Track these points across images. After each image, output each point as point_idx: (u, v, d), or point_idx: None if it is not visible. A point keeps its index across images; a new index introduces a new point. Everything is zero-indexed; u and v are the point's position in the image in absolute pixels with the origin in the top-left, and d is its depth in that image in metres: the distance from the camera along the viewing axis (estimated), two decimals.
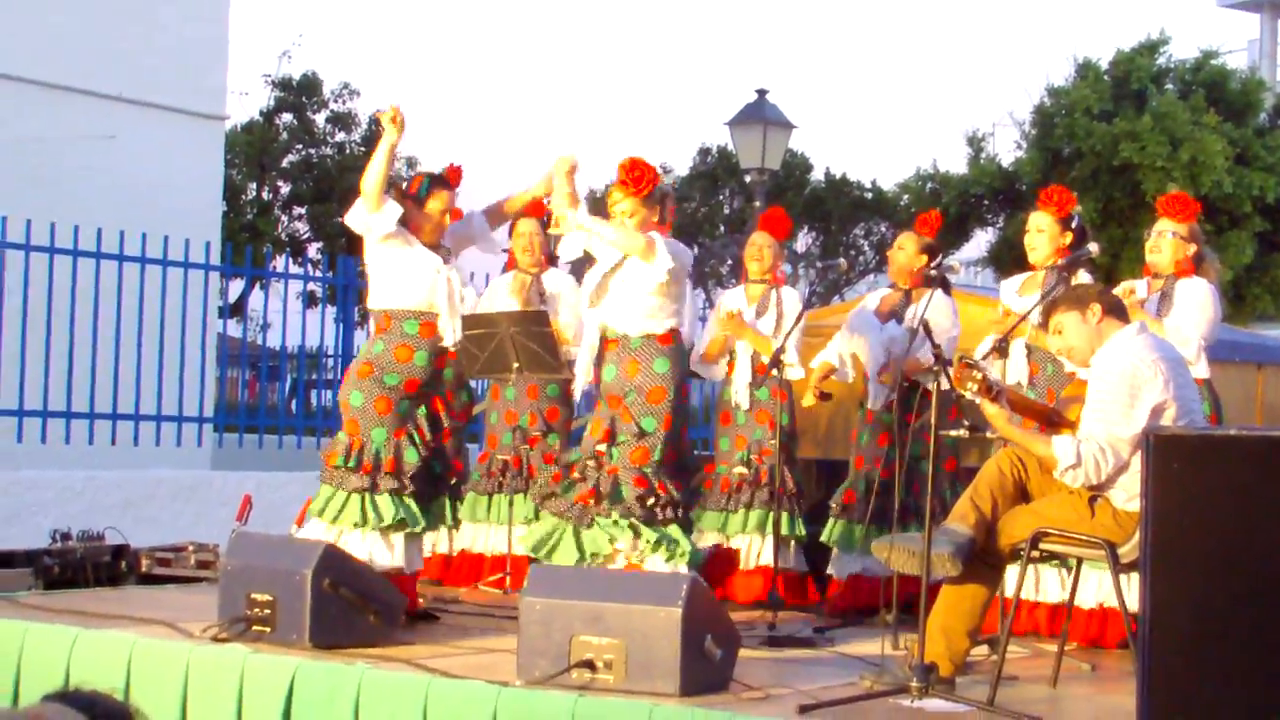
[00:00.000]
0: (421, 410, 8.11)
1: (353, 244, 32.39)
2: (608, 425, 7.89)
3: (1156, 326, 7.66)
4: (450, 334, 8.08)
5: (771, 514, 9.17)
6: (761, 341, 9.35)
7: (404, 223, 8.07)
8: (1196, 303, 8.04)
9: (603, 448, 7.87)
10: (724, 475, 9.58)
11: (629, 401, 7.83)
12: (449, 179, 8.24)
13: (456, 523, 8.56)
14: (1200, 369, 7.91)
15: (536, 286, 9.98)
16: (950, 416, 6.66)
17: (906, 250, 9.27)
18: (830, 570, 9.38)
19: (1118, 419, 6.29)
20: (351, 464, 7.94)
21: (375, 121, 33.45)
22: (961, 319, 9.21)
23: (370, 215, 8.00)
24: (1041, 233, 8.35)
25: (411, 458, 7.99)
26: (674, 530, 7.84)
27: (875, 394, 9.19)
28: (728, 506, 9.51)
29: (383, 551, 7.96)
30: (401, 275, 8.05)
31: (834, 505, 9.32)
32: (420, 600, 8.38)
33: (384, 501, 7.94)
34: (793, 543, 9.48)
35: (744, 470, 9.48)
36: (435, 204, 8.11)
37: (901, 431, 8.31)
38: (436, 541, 9.70)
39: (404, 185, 8.24)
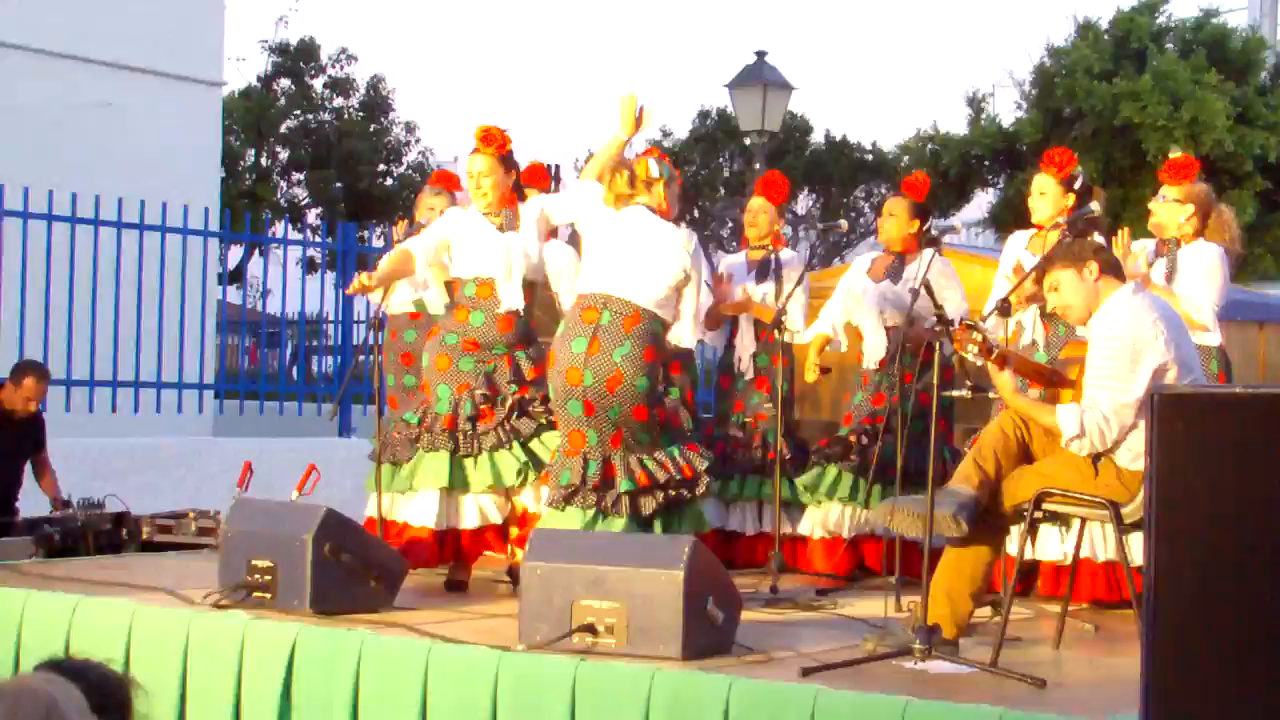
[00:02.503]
0: (491, 368, 8.14)
1: (352, 209, 32.47)
2: None
3: (1169, 295, 7.63)
4: (508, 298, 8.14)
5: (762, 479, 9.20)
6: (764, 312, 9.30)
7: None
8: (1204, 268, 8.01)
9: None
10: (719, 438, 9.54)
11: None
12: (477, 142, 8.25)
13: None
14: (1214, 335, 7.90)
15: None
16: (946, 376, 6.63)
17: (898, 216, 9.19)
18: (807, 529, 9.30)
19: (1120, 385, 6.28)
20: (417, 420, 8.10)
21: (373, 87, 33.78)
22: (964, 280, 9.17)
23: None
24: (1044, 195, 8.29)
25: (467, 409, 8.03)
26: None
27: (870, 354, 9.12)
28: (725, 469, 9.45)
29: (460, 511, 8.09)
30: (463, 246, 8.20)
31: (814, 455, 9.25)
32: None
33: (444, 460, 8.02)
34: (808, 506, 9.38)
35: (738, 434, 9.45)
36: (467, 170, 8.29)
37: (902, 392, 8.28)
38: None
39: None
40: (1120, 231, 8.01)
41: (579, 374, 7.52)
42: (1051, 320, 8.13)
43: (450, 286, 8.29)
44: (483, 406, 8.04)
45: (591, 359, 7.51)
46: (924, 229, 9.10)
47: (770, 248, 9.60)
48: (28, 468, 10.36)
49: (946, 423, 9.02)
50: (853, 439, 9.09)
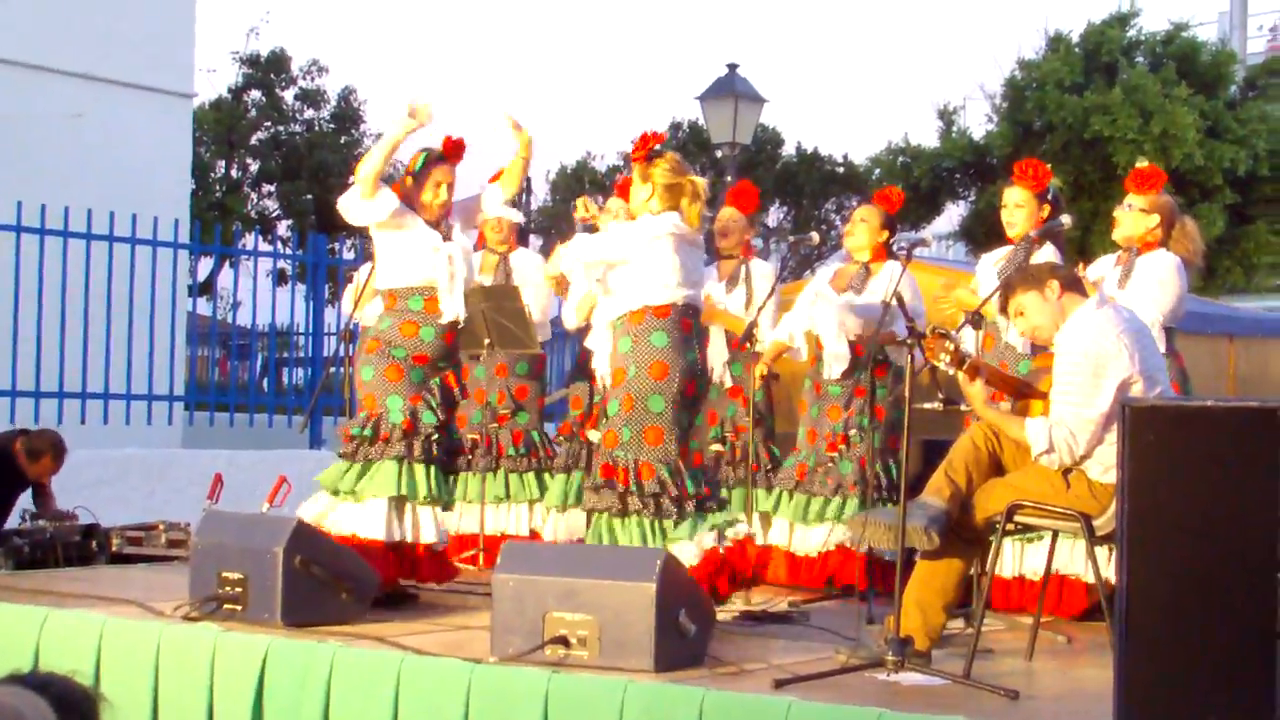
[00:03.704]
0: (435, 381, 8.08)
1: (323, 221, 32.44)
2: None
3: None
4: (450, 309, 8.07)
5: (751, 491, 9.20)
6: (734, 321, 9.30)
7: (406, 201, 8.15)
8: (1156, 279, 8.00)
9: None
10: (696, 450, 9.52)
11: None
12: (446, 153, 8.22)
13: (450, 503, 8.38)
14: (1159, 343, 7.90)
15: (504, 265, 9.96)
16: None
17: (870, 224, 9.19)
18: (787, 544, 9.29)
19: (1085, 400, 6.28)
20: (369, 432, 7.94)
21: (344, 99, 33.75)
22: (928, 292, 9.18)
23: (363, 202, 8.03)
24: (1020, 208, 8.29)
25: (429, 419, 7.97)
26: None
27: (830, 365, 9.09)
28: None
29: (397, 521, 7.95)
30: (403, 255, 8.08)
31: (786, 479, 9.25)
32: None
33: (395, 468, 7.91)
34: (772, 518, 9.37)
35: (720, 447, 9.43)
36: (435, 179, 8.17)
37: (868, 403, 8.27)
38: None
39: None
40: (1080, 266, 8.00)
41: (695, 385, 7.63)
42: (991, 329, 8.16)
43: (389, 298, 8.17)
44: (440, 419, 8.02)
45: (701, 365, 7.66)
46: (889, 242, 9.16)
47: (740, 257, 9.60)
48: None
49: (898, 437, 8.94)
50: (819, 467, 9.09)
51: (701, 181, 7.76)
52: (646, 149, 7.63)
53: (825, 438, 9.08)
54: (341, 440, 8.04)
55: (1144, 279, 8.01)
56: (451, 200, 8.21)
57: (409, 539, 7.97)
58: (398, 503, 7.94)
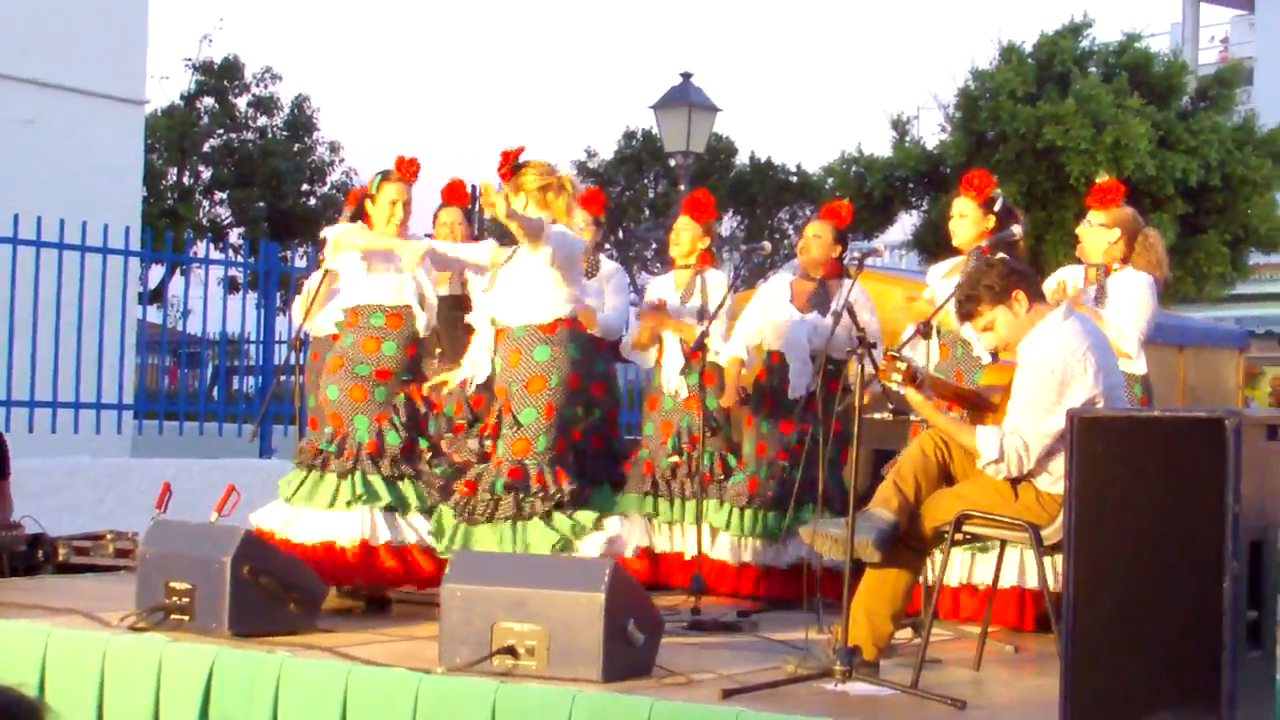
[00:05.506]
0: (400, 397, 8.19)
1: (275, 229, 32.32)
2: (495, 419, 7.77)
3: (1095, 319, 7.62)
4: (423, 324, 8.29)
5: (710, 503, 9.19)
6: (686, 330, 9.29)
7: (357, 219, 8.37)
8: (1133, 298, 8.04)
9: (489, 442, 7.73)
10: (646, 459, 9.51)
11: (511, 393, 7.66)
12: (400, 171, 8.34)
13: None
14: (1140, 364, 7.94)
15: (459, 274, 9.92)
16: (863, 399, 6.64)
17: (824, 239, 9.20)
18: (733, 558, 9.29)
19: (1043, 414, 6.27)
20: (334, 449, 8.03)
21: (297, 106, 33.66)
22: (886, 302, 9.20)
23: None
24: (964, 217, 8.33)
25: (393, 440, 8.08)
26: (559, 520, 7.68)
27: (796, 384, 9.11)
28: (655, 491, 9.43)
29: (367, 527, 7.97)
30: (363, 274, 8.21)
31: (738, 495, 9.23)
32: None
33: (372, 480, 8.01)
34: (720, 532, 9.36)
35: (677, 459, 9.39)
36: (384, 197, 8.28)
37: (822, 416, 8.27)
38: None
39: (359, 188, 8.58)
40: (1059, 285, 8.00)
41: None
42: (948, 340, 8.18)
43: (351, 314, 8.29)
44: (404, 438, 8.09)
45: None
46: (841, 256, 9.21)
47: (696, 267, 9.58)
48: None
49: (849, 450, 8.95)
50: (770, 480, 9.11)
51: (568, 176, 7.83)
52: (508, 164, 7.71)
53: (778, 451, 9.08)
54: (306, 451, 8.07)
55: (1119, 299, 8.04)
56: (408, 218, 8.28)
57: (396, 541, 8.02)
58: (367, 511, 7.99)
